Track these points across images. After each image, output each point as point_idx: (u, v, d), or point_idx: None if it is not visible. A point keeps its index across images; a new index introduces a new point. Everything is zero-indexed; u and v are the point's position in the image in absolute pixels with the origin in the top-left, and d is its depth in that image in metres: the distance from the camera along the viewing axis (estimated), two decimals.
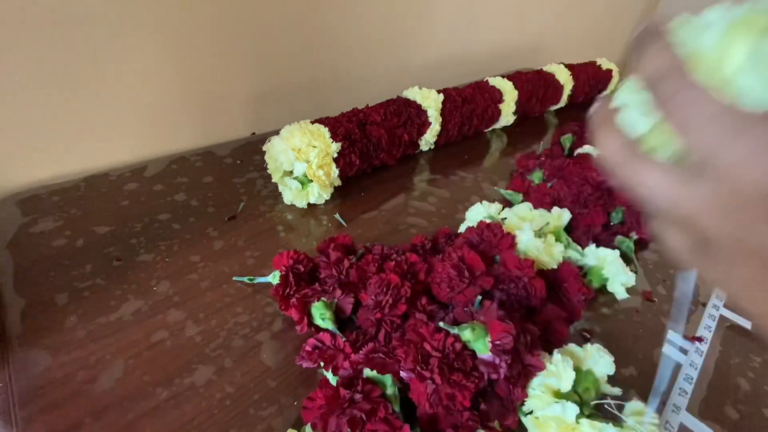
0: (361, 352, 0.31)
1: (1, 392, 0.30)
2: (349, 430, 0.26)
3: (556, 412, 0.28)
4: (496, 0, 1.00)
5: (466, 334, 0.30)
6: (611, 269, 0.43)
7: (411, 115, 0.62)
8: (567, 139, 0.69)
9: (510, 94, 0.76)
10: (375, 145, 0.57)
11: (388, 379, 0.30)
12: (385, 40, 0.82)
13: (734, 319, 0.44)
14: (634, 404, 0.30)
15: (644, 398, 0.34)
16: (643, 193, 0.16)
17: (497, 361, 0.29)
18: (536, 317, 0.36)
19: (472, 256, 0.37)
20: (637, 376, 0.37)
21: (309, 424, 0.28)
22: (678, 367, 0.38)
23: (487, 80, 0.76)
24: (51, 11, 0.44)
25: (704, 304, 0.46)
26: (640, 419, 0.29)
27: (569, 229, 0.49)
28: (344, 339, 0.33)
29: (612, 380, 0.33)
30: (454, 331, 0.30)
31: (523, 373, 0.30)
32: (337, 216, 0.52)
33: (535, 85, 0.81)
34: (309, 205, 0.53)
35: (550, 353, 0.32)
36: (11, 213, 0.46)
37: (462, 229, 0.47)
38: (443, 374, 0.28)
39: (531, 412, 0.30)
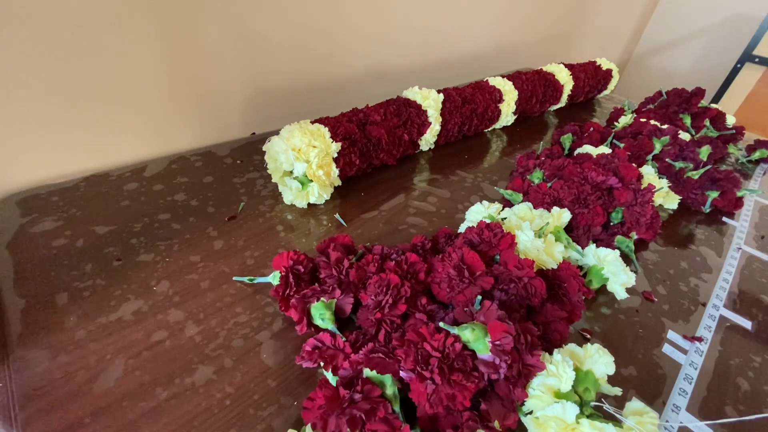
0: (361, 352, 0.31)
1: (1, 392, 0.30)
2: (348, 430, 0.26)
3: (556, 412, 0.28)
4: (496, 0, 1.00)
5: (466, 335, 0.30)
6: (611, 269, 0.43)
7: (411, 115, 0.62)
8: (567, 139, 0.69)
9: (510, 94, 0.76)
10: (375, 145, 0.57)
11: (388, 379, 0.30)
12: (385, 39, 0.82)
13: (734, 319, 0.44)
14: (634, 404, 0.30)
15: (644, 398, 0.35)
16: None
17: (497, 361, 0.29)
18: (536, 317, 0.36)
19: (472, 256, 0.37)
20: (637, 376, 0.37)
21: (309, 424, 0.28)
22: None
23: (487, 80, 0.76)
24: (51, 12, 0.44)
25: (704, 304, 0.46)
26: (640, 419, 0.29)
27: (569, 229, 0.49)
28: (344, 339, 0.33)
29: (612, 380, 0.33)
30: (454, 331, 0.30)
31: (523, 373, 0.30)
32: (337, 216, 0.52)
33: (535, 85, 0.81)
34: (309, 205, 0.53)
35: (550, 353, 0.32)
36: (11, 213, 0.46)
37: (462, 229, 0.47)
38: (443, 374, 0.28)
39: (531, 412, 0.30)
